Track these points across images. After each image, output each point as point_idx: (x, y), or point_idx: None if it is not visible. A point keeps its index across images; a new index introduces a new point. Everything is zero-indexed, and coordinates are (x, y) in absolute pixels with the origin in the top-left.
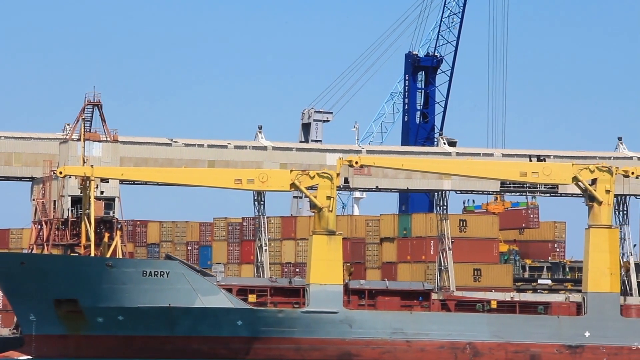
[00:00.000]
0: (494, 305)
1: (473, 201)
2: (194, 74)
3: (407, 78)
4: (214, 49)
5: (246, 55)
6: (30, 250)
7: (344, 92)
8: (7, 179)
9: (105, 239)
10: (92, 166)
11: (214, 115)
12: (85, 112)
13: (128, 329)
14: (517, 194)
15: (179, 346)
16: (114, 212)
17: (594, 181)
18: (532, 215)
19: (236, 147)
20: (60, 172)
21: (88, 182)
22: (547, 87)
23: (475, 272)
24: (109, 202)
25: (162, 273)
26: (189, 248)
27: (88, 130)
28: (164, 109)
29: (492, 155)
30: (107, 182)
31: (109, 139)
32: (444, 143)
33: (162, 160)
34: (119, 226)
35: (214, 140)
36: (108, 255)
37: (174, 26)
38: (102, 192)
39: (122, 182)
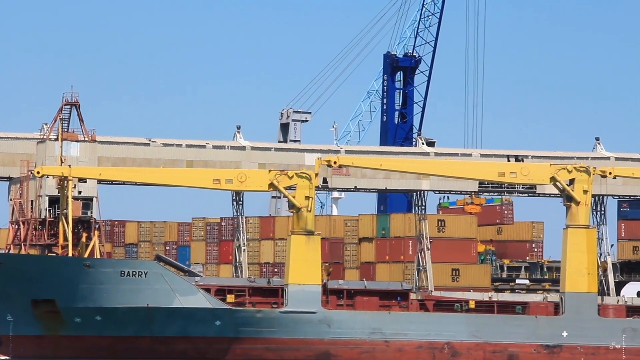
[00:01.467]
0: (472, 305)
1: (447, 197)
2: (172, 74)
3: (385, 78)
4: (192, 50)
5: (224, 56)
6: (7, 251)
7: (322, 92)
8: None
9: (83, 239)
10: (69, 166)
11: (192, 115)
12: (63, 111)
13: (106, 329)
14: (496, 194)
15: (157, 346)
16: (91, 212)
17: (571, 181)
18: (506, 212)
19: (214, 147)
20: (38, 172)
21: (66, 182)
22: (524, 87)
23: (454, 272)
24: (87, 202)
25: (140, 273)
26: (167, 248)
27: (66, 130)
28: (142, 109)
29: (470, 155)
30: (85, 182)
31: (86, 139)
32: (423, 143)
33: (140, 160)
34: (97, 226)
35: (192, 140)
36: (86, 256)
37: (152, 27)
38: (79, 192)
39: (100, 182)
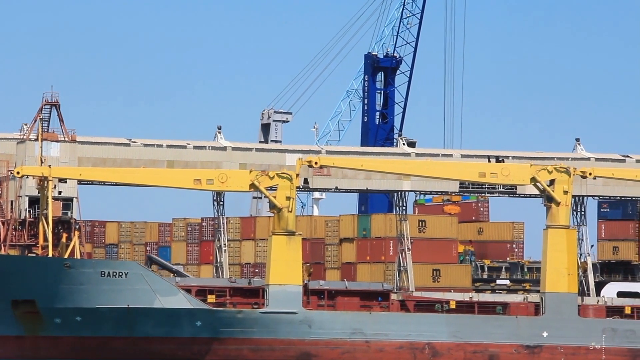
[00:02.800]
0: (452, 305)
1: (424, 195)
2: (153, 74)
3: (366, 79)
4: (172, 50)
5: (205, 56)
6: None
7: (302, 92)
8: None
9: (63, 240)
10: (49, 166)
11: (173, 116)
12: (43, 112)
13: (86, 330)
14: (476, 194)
15: (137, 347)
16: (72, 213)
17: (552, 182)
18: (482, 209)
19: (195, 147)
20: (18, 172)
21: (46, 182)
22: (505, 87)
23: (434, 272)
24: (67, 203)
25: (120, 274)
26: (148, 248)
27: (46, 130)
28: (122, 109)
29: (451, 156)
30: (65, 182)
31: (67, 139)
32: (404, 144)
33: (121, 161)
34: (77, 227)
35: (173, 140)
36: (66, 256)
37: (133, 28)
38: (60, 193)
39: (80, 182)
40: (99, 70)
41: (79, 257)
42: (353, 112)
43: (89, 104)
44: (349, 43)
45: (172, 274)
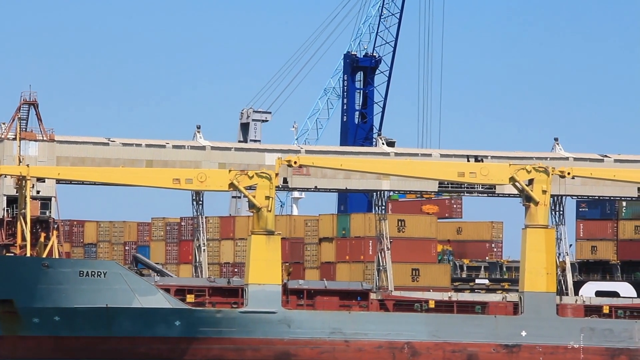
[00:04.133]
0: (432, 305)
1: (397, 192)
2: (132, 73)
3: (345, 78)
4: (151, 48)
5: (184, 55)
6: None
7: (281, 91)
8: None
9: (42, 239)
10: (28, 165)
11: (152, 115)
12: (21, 111)
13: (65, 330)
14: (455, 194)
15: (116, 347)
16: (50, 212)
17: (530, 181)
18: (455, 206)
19: (174, 146)
20: None
21: (24, 181)
22: (484, 87)
23: (414, 272)
24: (45, 202)
25: (99, 273)
26: (127, 248)
27: (24, 129)
28: (101, 109)
29: (430, 155)
30: (44, 181)
31: (45, 138)
32: (383, 143)
33: (100, 160)
34: (56, 226)
35: (152, 140)
36: (44, 256)
37: (111, 25)
38: (38, 192)
39: (58, 181)
40: (77, 70)
41: (57, 256)
42: (331, 110)
43: (67, 103)
44: (326, 41)
45: (155, 274)
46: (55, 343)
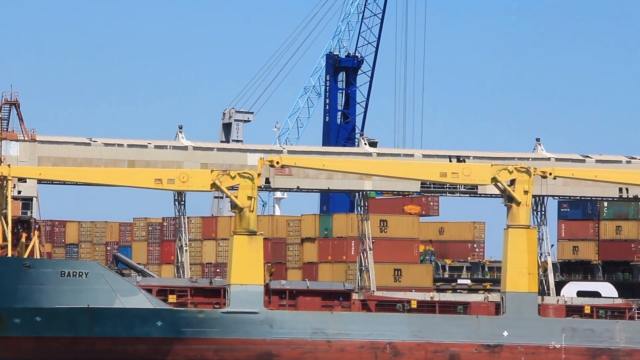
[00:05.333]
0: (414, 305)
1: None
2: (113, 73)
3: (328, 78)
4: (133, 48)
5: (166, 55)
6: None
7: (262, 91)
8: None
9: (23, 240)
10: (9, 165)
11: (134, 115)
12: (2, 111)
13: (46, 330)
14: (438, 194)
15: (98, 347)
16: (31, 212)
17: (512, 182)
18: (432, 203)
19: (156, 147)
20: None
21: (5, 181)
22: (466, 87)
23: (396, 272)
24: (27, 202)
25: (80, 273)
26: (109, 248)
27: (5, 129)
28: (83, 109)
29: (412, 156)
30: (25, 181)
31: (26, 139)
32: (365, 143)
33: (81, 160)
34: (37, 226)
35: (134, 140)
36: (25, 256)
37: (93, 25)
38: (19, 192)
39: (40, 181)
40: (59, 70)
41: (38, 257)
42: (311, 108)
43: (49, 103)
44: (307, 40)
45: (136, 274)
46: (37, 343)
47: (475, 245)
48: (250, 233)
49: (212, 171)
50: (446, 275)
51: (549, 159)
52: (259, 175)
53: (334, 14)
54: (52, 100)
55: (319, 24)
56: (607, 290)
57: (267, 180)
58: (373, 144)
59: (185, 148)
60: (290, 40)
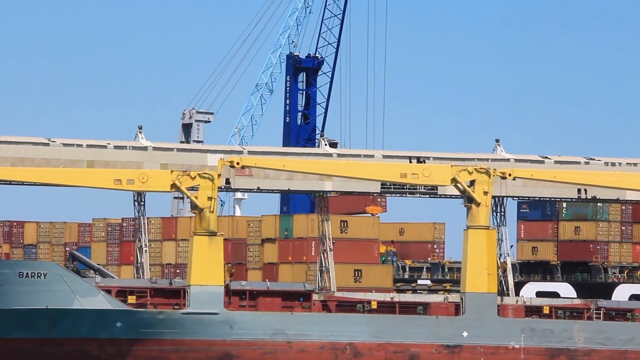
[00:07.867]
0: (374, 305)
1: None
2: (72, 72)
3: (288, 79)
4: (91, 47)
5: (125, 54)
6: None
7: (219, 90)
8: None
9: None
10: None
11: (92, 115)
12: None
13: (4, 332)
14: (398, 195)
15: (57, 348)
16: None
17: (472, 182)
18: (379, 199)
19: (116, 147)
20: None
21: None
22: (426, 88)
23: (356, 272)
24: None
25: (39, 274)
26: (67, 249)
27: None
28: (41, 108)
29: (372, 156)
30: None
31: None
32: (325, 144)
33: (40, 160)
34: None
35: (93, 140)
36: None
37: (50, 24)
38: None
39: None
40: (16, 68)
41: None
42: (264, 105)
43: (6, 103)
44: (259, 37)
45: (95, 274)
46: None
47: (435, 246)
48: (211, 234)
49: (172, 172)
50: (406, 276)
51: (508, 159)
52: (219, 175)
53: (284, 10)
54: (10, 100)
55: (269, 21)
56: (566, 290)
57: (228, 181)
58: (333, 145)
59: (145, 148)
60: (243, 37)
